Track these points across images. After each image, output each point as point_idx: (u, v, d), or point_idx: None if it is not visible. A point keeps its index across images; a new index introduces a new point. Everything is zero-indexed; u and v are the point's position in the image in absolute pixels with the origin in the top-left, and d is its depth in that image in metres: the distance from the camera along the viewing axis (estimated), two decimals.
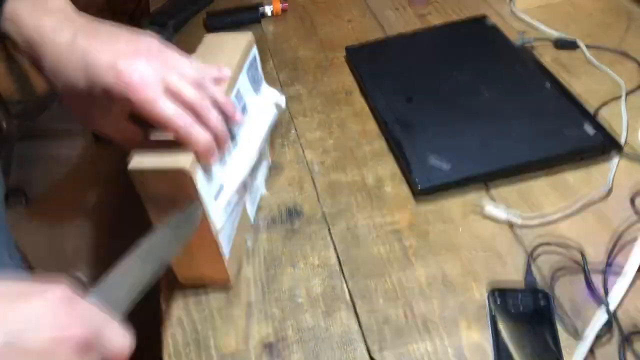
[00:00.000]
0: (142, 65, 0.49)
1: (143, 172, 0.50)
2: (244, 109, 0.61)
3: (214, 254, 0.56)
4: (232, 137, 0.57)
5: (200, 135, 0.50)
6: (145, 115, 0.50)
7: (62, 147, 2.10)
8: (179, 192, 0.51)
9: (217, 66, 0.57)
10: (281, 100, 0.68)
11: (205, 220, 0.53)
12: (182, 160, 0.49)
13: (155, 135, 0.52)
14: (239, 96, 0.60)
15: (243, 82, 0.62)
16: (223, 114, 0.54)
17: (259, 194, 0.69)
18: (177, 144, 0.50)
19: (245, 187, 0.61)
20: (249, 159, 0.60)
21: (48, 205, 1.87)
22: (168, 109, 0.49)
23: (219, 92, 0.54)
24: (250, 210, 0.66)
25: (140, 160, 0.50)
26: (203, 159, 0.51)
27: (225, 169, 0.57)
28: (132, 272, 0.46)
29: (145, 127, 0.53)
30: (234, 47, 0.63)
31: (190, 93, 0.50)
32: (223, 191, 0.56)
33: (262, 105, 0.66)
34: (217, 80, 0.56)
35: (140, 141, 0.53)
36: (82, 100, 0.51)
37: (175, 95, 0.50)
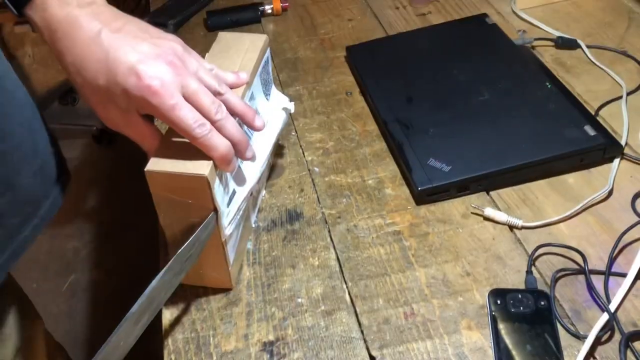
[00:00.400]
0: (163, 70, 0.49)
1: (160, 175, 0.50)
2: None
3: (220, 261, 0.56)
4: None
5: (219, 145, 0.50)
6: (164, 121, 0.50)
7: (61, 148, 2.10)
8: (195, 198, 0.50)
9: (235, 72, 0.58)
10: (290, 105, 0.68)
11: (216, 228, 0.53)
12: (201, 166, 0.49)
13: (174, 137, 0.52)
14: (251, 100, 0.60)
15: (256, 85, 0.62)
16: (244, 121, 0.55)
17: (260, 196, 0.69)
18: (195, 147, 0.50)
19: (252, 192, 0.61)
20: (259, 164, 0.60)
21: None
22: (187, 117, 0.49)
23: (238, 100, 0.54)
24: (252, 214, 0.66)
25: (158, 162, 0.50)
26: (221, 167, 0.51)
27: (237, 175, 0.57)
28: (126, 337, 0.47)
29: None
30: (250, 48, 0.62)
31: (208, 101, 0.50)
32: (235, 197, 0.56)
33: (272, 110, 0.66)
34: (234, 85, 0.57)
35: (157, 141, 0.53)
36: (101, 96, 0.51)
37: (193, 102, 0.50)
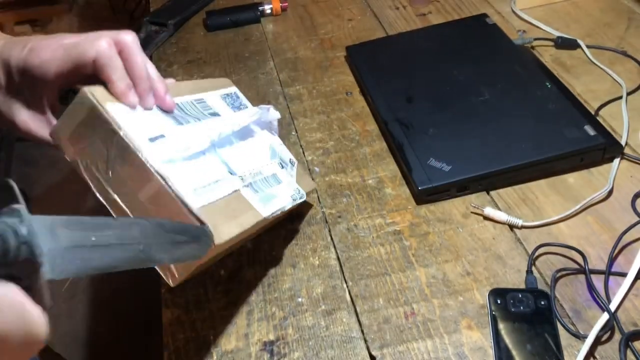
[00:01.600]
0: (57, 37, 0.50)
1: (59, 128, 0.51)
2: (213, 114, 0.59)
3: (165, 193, 0.50)
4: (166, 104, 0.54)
5: (117, 68, 0.49)
6: (70, 61, 0.49)
7: None
8: (96, 130, 0.49)
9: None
10: (268, 107, 0.64)
11: (132, 153, 0.49)
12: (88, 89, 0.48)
13: None
14: (203, 104, 0.59)
15: (214, 100, 0.60)
16: (154, 92, 0.53)
17: (278, 201, 0.59)
18: None
19: (225, 164, 0.56)
20: (212, 132, 0.56)
21: (48, 206, 1.87)
22: (98, 42, 0.49)
23: (153, 68, 0.53)
24: (260, 207, 0.57)
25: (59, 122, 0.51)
26: (122, 96, 0.50)
27: (168, 123, 0.54)
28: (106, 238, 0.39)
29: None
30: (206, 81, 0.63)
31: (111, 33, 0.50)
32: (162, 140, 0.52)
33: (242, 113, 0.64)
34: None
35: None
36: (7, 100, 0.52)
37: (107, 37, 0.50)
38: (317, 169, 0.73)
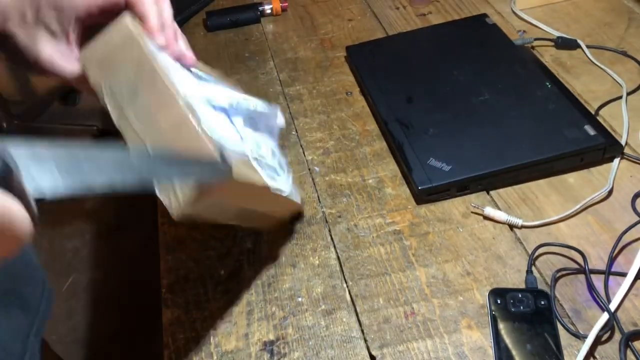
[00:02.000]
0: None
1: (91, 50, 0.51)
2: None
3: (187, 121, 0.48)
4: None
5: (153, 6, 0.51)
6: None
7: None
8: (128, 54, 0.50)
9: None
10: (278, 111, 0.64)
11: (162, 79, 0.49)
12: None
13: None
14: (201, 80, 0.59)
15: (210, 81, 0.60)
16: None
17: (280, 183, 0.60)
18: None
19: (238, 133, 0.57)
20: (230, 95, 0.58)
21: (48, 206, 1.87)
22: None
23: (178, 29, 0.55)
24: (267, 179, 0.56)
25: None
26: (155, 31, 0.51)
27: (194, 81, 0.55)
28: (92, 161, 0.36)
29: None
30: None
31: None
32: (182, 88, 0.52)
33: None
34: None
35: None
36: (33, 34, 0.51)
37: None
38: (317, 168, 0.73)
